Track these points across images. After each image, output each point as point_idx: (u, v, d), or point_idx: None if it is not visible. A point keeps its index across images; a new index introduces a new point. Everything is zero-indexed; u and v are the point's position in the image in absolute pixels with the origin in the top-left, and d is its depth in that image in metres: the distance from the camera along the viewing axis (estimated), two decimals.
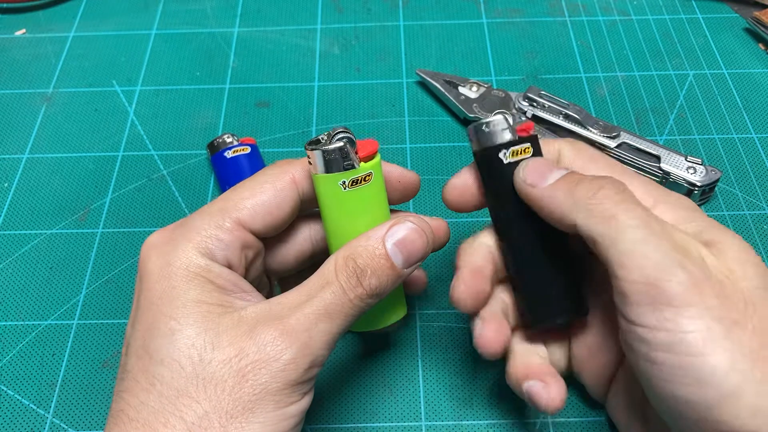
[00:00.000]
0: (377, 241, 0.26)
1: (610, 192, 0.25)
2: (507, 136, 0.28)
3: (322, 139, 0.28)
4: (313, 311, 0.25)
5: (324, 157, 0.27)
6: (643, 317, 0.23)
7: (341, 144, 0.26)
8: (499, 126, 0.28)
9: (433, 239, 0.28)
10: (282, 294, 0.26)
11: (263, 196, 0.27)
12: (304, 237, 0.31)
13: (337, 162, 0.27)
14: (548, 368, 0.29)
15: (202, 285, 0.25)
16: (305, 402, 0.25)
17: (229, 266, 0.26)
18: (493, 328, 0.29)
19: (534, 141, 0.29)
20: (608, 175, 0.26)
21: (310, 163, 0.28)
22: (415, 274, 0.33)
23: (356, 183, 0.27)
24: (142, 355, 0.24)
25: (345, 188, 0.27)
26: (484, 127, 0.28)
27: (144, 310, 0.25)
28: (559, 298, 0.29)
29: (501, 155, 0.28)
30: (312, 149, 0.27)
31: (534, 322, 0.30)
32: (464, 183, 0.30)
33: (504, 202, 0.29)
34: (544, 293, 0.29)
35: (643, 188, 0.27)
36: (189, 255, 0.25)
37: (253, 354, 0.24)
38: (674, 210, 0.27)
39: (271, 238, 0.29)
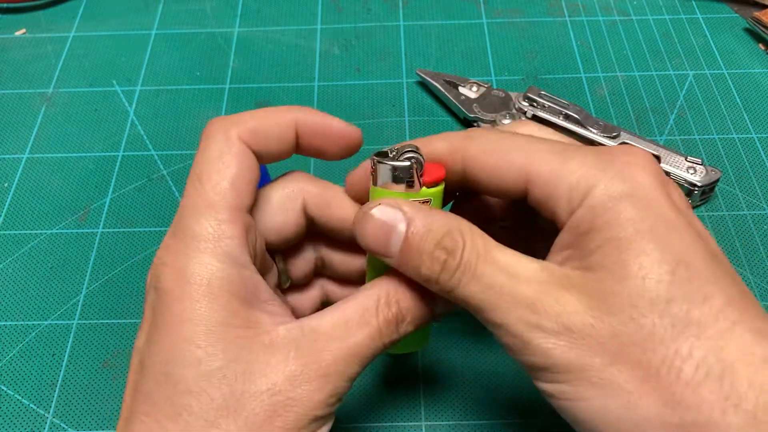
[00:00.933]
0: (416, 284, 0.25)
1: (451, 264, 0.23)
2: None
3: (390, 152, 0.26)
4: (350, 354, 0.24)
5: (388, 172, 0.25)
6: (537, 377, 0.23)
7: (409, 164, 0.25)
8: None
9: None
10: (315, 316, 0.25)
11: (231, 169, 0.25)
12: (291, 206, 0.29)
13: (400, 181, 0.25)
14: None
15: (225, 303, 0.23)
16: (329, 426, 0.25)
17: (245, 262, 0.24)
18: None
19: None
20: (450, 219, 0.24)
21: (372, 173, 0.26)
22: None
23: None
24: (163, 381, 0.23)
25: None
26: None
27: (163, 333, 0.23)
28: None
29: None
30: (379, 161, 0.26)
31: None
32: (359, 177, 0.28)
33: None
34: None
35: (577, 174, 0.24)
36: (206, 266, 0.23)
37: (285, 391, 0.23)
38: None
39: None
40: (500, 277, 0.23)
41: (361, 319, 0.24)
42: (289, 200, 0.28)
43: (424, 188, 0.26)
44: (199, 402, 0.22)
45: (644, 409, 0.21)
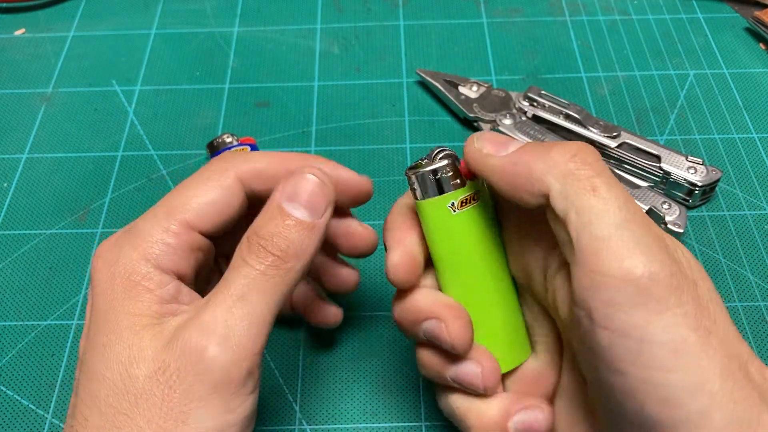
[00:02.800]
0: (274, 208, 0.24)
1: (588, 158, 0.22)
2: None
3: (423, 161, 0.25)
4: (225, 299, 0.23)
5: (430, 178, 0.24)
6: (610, 319, 0.20)
7: (447, 161, 0.24)
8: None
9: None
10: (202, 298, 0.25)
11: (210, 194, 0.26)
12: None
13: (444, 182, 0.24)
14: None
15: (139, 296, 0.24)
16: (247, 405, 0.23)
17: (178, 272, 0.25)
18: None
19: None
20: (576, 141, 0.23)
21: (413, 189, 0.25)
22: (346, 273, 0.32)
23: (465, 203, 0.25)
24: (86, 371, 0.24)
25: (455, 210, 0.25)
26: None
27: (91, 322, 0.25)
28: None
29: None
30: (415, 173, 0.25)
31: None
32: (409, 257, 0.26)
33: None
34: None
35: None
36: (132, 263, 0.24)
37: (174, 362, 0.22)
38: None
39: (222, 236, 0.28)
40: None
41: (229, 271, 0.24)
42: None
43: (469, 181, 0.25)
44: (105, 388, 0.23)
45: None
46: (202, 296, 0.25)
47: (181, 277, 0.26)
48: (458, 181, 0.25)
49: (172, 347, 0.23)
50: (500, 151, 0.23)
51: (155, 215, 0.26)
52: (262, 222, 0.25)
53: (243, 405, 0.23)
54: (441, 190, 0.25)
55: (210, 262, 0.28)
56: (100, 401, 0.23)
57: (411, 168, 0.25)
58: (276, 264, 0.24)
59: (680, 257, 0.22)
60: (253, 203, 0.27)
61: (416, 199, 0.25)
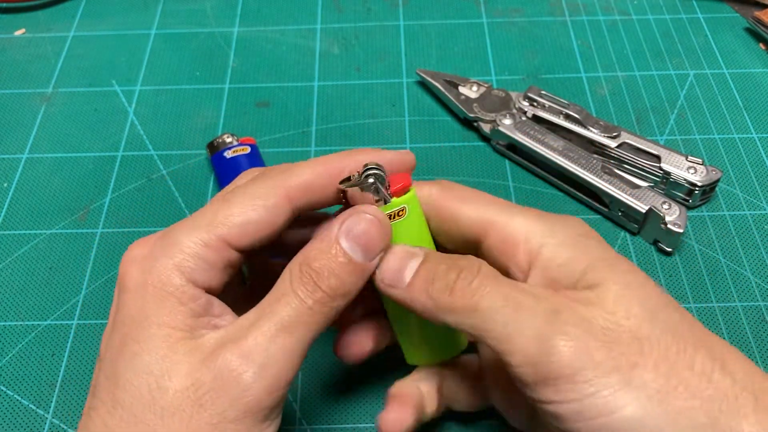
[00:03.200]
0: (331, 240, 0.24)
1: (465, 281, 0.24)
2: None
3: (353, 177, 0.26)
4: (269, 327, 0.23)
5: (356, 193, 0.26)
6: (543, 395, 0.22)
7: (371, 181, 0.26)
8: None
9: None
10: (245, 315, 0.25)
11: (254, 214, 0.25)
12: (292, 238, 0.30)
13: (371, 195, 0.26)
14: (404, 392, 0.29)
15: (173, 307, 0.24)
16: (271, 430, 0.24)
17: (210, 287, 0.25)
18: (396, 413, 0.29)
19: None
20: (463, 256, 0.25)
21: (344, 200, 0.27)
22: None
23: (391, 218, 0.26)
24: (110, 375, 0.24)
25: None
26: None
27: (118, 328, 0.24)
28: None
29: None
30: (345, 187, 0.26)
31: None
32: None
33: None
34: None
35: (525, 227, 0.26)
36: (167, 274, 0.24)
37: (209, 382, 0.23)
38: (561, 249, 0.25)
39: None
40: (517, 291, 0.24)
41: (276, 295, 0.24)
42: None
43: (394, 198, 0.26)
44: (131, 396, 0.23)
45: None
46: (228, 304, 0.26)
47: (211, 291, 0.25)
48: (381, 200, 0.26)
49: (209, 366, 0.23)
50: (399, 283, 0.25)
51: (195, 226, 0.25)
52: (317, 253, 0.24)
53: (268, 429, 0.24)
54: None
55: (238, 275, 0.28)
56: (124, 409, 0.23)
57: (342, 182, 0.27)
58: (323, 301, 0.24)
59: (587, 311, 0.24)
60: (297, 215, 0.27)
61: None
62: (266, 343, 0.23)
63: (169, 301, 0.24)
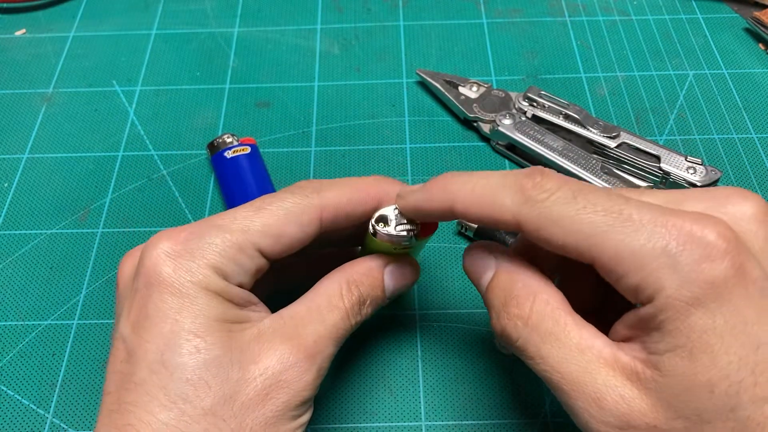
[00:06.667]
0: (379, 274, 0.28)
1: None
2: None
3: (390, 219, 0.28)
4: (328, 335, 0.26)
5: (385, 236, 0.28)
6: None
7: (407, 235, 0.28)
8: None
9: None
10: (289, 306, 0.27)
11: (287, 229, 0.27)
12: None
13: (397, 243, 0.28)
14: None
15: (222, 303, 0.25)
16: (311, 413, 0.26)
17: (241, 287, 0.26)
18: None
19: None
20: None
21: (372, 231, 0.28)
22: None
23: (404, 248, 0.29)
24: (159, 370, 0.23)
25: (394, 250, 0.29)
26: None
27: (157, 321, 0.24)
28: None
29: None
30: (383, 232, 0.28)
31: None
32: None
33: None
34: None
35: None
36: (206, 273, 0.25)
37: (276, 374, 0.24)
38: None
39: None
40: (571, 352, 0.23)
41: (329, 303, 0.27)
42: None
43: (414, 239, 0.28)
44: (196, 390, 0.23)
45: None
46: None
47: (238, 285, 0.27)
48: (408, 245, 0.28)
49: (274, 355, 0.25)
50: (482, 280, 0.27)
51: (229, 229, 0.26)
52: (366, 279, 0.28)
53: (309, 411, 0.26)
54: (391, 247, 0.29)
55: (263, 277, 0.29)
56: (187, 403, 0.23)
57: (377, 220, 0.28)
58: (358, 323, 0.28)
59: None
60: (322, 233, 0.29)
61: (372, 234, 0.28)
62: (324, 347, 0.26)
63: (218, 299, 0.25)
